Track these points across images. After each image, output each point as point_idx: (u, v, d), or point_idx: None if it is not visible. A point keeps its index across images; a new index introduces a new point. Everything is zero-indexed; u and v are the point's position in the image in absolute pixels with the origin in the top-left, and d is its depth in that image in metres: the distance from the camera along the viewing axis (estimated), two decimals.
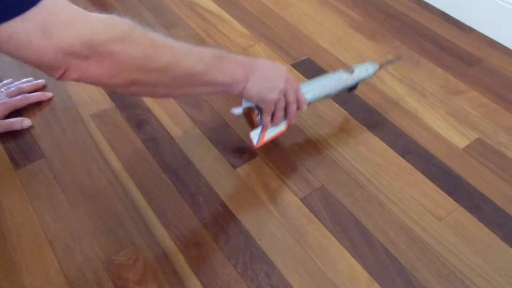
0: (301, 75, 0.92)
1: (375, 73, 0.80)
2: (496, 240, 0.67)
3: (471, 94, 0.90)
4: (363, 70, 0.78)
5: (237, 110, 0.72)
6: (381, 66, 0.81)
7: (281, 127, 0.74)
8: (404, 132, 0.82)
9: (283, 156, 0.77)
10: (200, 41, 0.99)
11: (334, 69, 0.93)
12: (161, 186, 0.72)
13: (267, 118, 0.71)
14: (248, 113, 0.73)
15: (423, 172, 0.76)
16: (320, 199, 0.72)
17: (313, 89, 0.74)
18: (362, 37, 1.02)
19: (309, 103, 0.74)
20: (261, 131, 0.73)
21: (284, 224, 0.68)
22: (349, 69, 0.78)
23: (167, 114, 0.84)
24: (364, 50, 0.99)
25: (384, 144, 0.80)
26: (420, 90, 0.90)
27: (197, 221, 0.68)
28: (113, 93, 0.86)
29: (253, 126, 0.74)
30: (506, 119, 0.85)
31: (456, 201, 0.72)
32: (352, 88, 0.80)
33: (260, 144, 0.73)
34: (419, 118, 0.85)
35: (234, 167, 0.76)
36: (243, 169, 0.75)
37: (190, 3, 1.10)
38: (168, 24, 1.04)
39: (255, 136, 0.73)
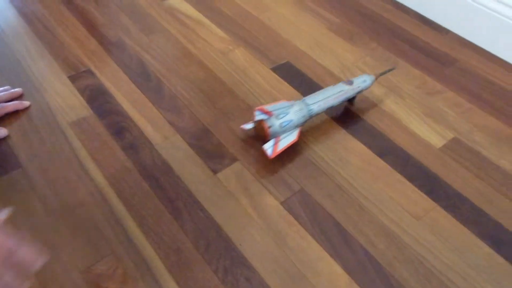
0: (281, 79, 0.93)
1: (372, 84, 0.86)
2: (472, 238, 0.68)
3: (447, 94, 0.91)
4: (361, 82, 0.83)
5: (248, 126, 0.80)
6: (377, 77, 0.86)
7: (293, 137, 0.77)
8: (382, 133, 0.83)
9: (263, 160, 0.78)
10: (180, 47, 0.99)
11: (314, 72, 0.94)
12: (140, 193, 0.72)
13: None
14: (260, 126, 0.77)
15: (401, 172, 0.77)
16: (300, 202, 0.72)
17: (319, 101, 0.79)
18: (340, 40, 1.03)
19: (316, 114, 0.80)
20: (274, 143, 0.76)
21: (264, 228, 0.69)
22: (349, 81, 0.83)
23: (147, 120, 0.83)
24: (342, 52, 1.00)
25: (362, 146, 0.81)
26: (397, 91, 0.91)
27: (177, 227, 0.68)
28: (93, 100, 0.86)
29: (265, 137, 0.77)
30: (480, 118, 0.86)
31: (434, 200, 0.73)
32: (352, 99, 0.86)
33: (275, 154, 0.75)
34: (397, 119, 0.86)
35: (215, 172, 0.76)
36: (223, 174, 0.76)
37: (170, 9, 1.10)
38: (148, 30, 1.04)
39: (269, 147, 0.75)
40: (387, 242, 0.67)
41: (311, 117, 0.79)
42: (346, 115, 0.86)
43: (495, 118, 0.87)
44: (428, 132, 0.84)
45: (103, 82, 0.90)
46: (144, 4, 1.11)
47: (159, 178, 0.75)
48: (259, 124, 0.77)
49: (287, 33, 1.05)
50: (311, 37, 1.04)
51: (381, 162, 0.78)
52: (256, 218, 0.70)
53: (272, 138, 0.76)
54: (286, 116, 0.76)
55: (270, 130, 0.75)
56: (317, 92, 0.81)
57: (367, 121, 0.85)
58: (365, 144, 0.81)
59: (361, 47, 1.02)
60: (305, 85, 0.92)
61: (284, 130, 0.76)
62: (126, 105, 0.86)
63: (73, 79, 0.90)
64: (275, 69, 0.95)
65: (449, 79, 0.95)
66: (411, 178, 0.76)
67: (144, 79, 0.91)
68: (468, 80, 0.94)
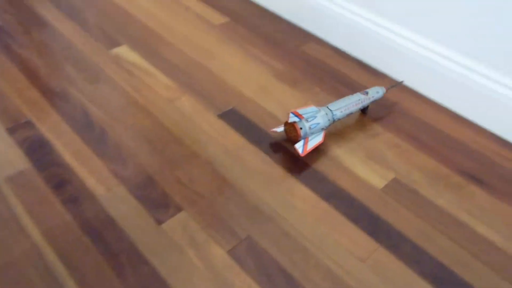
0: (227, 125, 0.94)
1: (383, 95, 1.00)
2: (414, 277, 0.70)
3: (387, 135, 0.96)
4: (375, 92, 0.97)
5: (279, 129, 0.91)
6: (387, 89, 1.00)
7: (320, 138, 0.88)
8: (327, 177, 0.85)
9: (209, 208, 0.77)
10: (126, 96, 0.99)
11: (259, 117, 0.96)
12: (81, 249, 0.69)
13: None
14: (290, 128, 0.88)
15: (346, 214, 0.78)
16: (247, 249, 0.72)
17: (340, 108, 0.91)
18: (284, 86, 1.07)
19: (339, 119, 0.92)
20: (304, 143, 0.87)
21: (211, 279, 0.67)
22: (364, 92, 0.96)
23: (89, 172, 0.82)
24: (286, 98, 1.03)
25: (308, 190, 0.82)
26: (340, 135, 0.95)
27: (119, 284, 0.66)
28: (32, 152, 0.84)
29: (296, 138, 0.88)
30: (418, 159, 0.91)
31: (377, 241, 0.75)
32: (365, 109, 1.00)
33: (305, 153, 0.86)
34: (341, 162, 0.88)
35: (159, 223, 0.75)
36: (168, 225, 0.74)
37: (115, 57, 1.10)
38: (93, 79, 1.03)
39: (299, 147, 0.86)
40: (333, 286, 0.68)
41: (334, 121, 0.91)
42: (291, 160, 0.88)
43: (431, 158, 0.91)
44: (370, 173, 0.86)
45: (44, 133, 0.88)
46: (89, 53, 1.11)
47: (101, 232, 0.72)
48: (291, 125, 0.87)
49: (233, 80, 1.07)
50: (256, 84, 1.07)
51: (326, 206, 0.80)
52: (202, 269, 0.69)
53: (302, 139, 0.87)
54: (314, 119, 0.87)
55: (301, 131, 0.86)
56: (339, 100, 0.93)
57: (312, 165, 0.87)
58: (310, 188, 0.83)
59: (304, 92, 1.05)
60: (250, 130, 0.93)
61: (312, 132, 0.87)
62: (67, 157, 0.84)
63: (11, 131, 0.88)
64: (222, 116, 0.97)
65: (388, 121, 0.99)
66: (355, 220, 0.78)
67: (87, 129, 0.90)
68: (406, 122, 1.00)
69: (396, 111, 1.02)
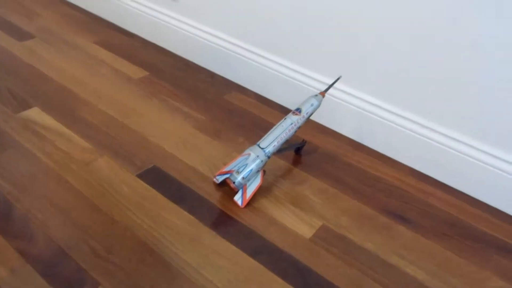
0: (148, 185, 0.90)
1: (320, 103, 0.92)
2: None
3: (312, 181, 0.95)
4: (309, 106, 0.90)
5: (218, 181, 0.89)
6: (325, 92, 0.92)
7: (258, 181, 0.86)
8: (254, 231, 0.82)
9: (129, 278, 0.71)
10: (36, 163, 0.92)
11: (182, 174, 0.93)
12: None
13: None
14: (226, 183, 0.89)
15: (274, 270, 0.75)
16: None
17: (272, 142, 0.87)
18: (207, 138, 1.05)
19: (274, 153, 0.88)
20: (242, 192, 0.86)
21: None
22: (297, 109, 0.89)
23: None
24: (209, 150, 1.01)
25: (234, 248, 0.79)
26: (265, 185, 0.93)
27: None
28: None
29: (233, 190, 0.87)
30: (344, 202, 0.91)
31: None
32: (299, 149, 0.99)
33: (245, 203, 0.86)
34: (267, 213, 0.86)
35: None
36: None
37: (25, 121, 1.03)
38: None
39: (238, 199, 0.86)
40: None
41: (269, 157, 0.87)
42: (217, 217, 0.85)
43: (357, 200, 0.92)
44: (297, 223, 0.85)
45: None
46: None
47: None
48: (225, 181, 0.87)
49: (154, 135, 1.04)
50: (178, 138, 1.04)
51: (253, 262, 0.76)
52: None
53: (240, 189, 0.86)
54: (245, 168, 0.85)
55: (235, 185, 0.85)
56: (269, 132, 0.88)
57: (239, 220, 0.84)
58: (237, 245, 0.79)
59: (228, 143, 1.04)
60: (172, 189, 0.89)
61: (248, 179, 0.86)
62: None
63: None
64: (142, 176, 0.92)
65: (313, 166, 0.99)
66: (283, 275, 0.75)
67: None
68: (330, 165, 1.00)
69: (319, 155, 1.03)
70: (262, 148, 0.87)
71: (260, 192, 0.91)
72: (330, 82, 1.07)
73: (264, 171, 0.90)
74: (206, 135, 1.05)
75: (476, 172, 0.93)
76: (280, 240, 0.81)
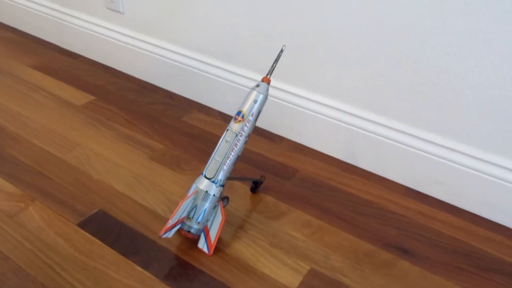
0: (91, 236, 0.72)
1: (266, 96, 0.69)
2: None
3: (293, 213, 0.79)
4: (251, 106, 0.68)
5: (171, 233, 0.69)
6: (268, 76, 0.69)
7: (219, 218, 0.70)
8: (225, 285, 0.65)
9: None
10: None
11: (134, 218, 0.76)
12: None
13: None
14: (182, 234, 0.72)
15: None
16: None
17: (220, 167, 0.69)
18: (165, 169, 0.88)
19: (226, 180, 0.71)
20: (205, 237, 0.70)
21: None
22: (238, 114, 0.68)
23: None
24: (168, 185, 0.84)
25: None
26: (237, 222, 0.77)
27: None
28: None
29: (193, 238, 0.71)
30: (333, 237, 0.75)
31: None
32: (256, 183, 0.82)
33: (212, 249, 0.70)
34: (241, 260, 0.70)
35: None
36: None
37: None
38: None
39: (203, 246, 0.70)
40: None
41: (223, 186, 0.70)
42: (179, 270, 0.67)
43: (347, 232, 0.76)
44: (280, 269, 0.69)
45: None
46: None
47: None
48: (179, 232, 0.72)
49: (100, 172, 0.86)
50: (129, 173, 0.86)
51: None
52: None
53: (201, 234, 0.71)
54: (196, 210, 0.69)
55: (192, 232, 0.70)
56: (212, 155, 0.69)
57: (207, 273, 0.67)
58: None
59: (190, 174, 0.87)
60: (122, 238, 0.72)
61: (205, 220, 0.70)
62: None
63: None
64: (84, 224, 0.74)
65: (292, 194, 0.84)
66: None
67: None
68: (312, 191, 0.85)
69: (298, 180, 0.88)
70: (209, 179, 0.69)
71: (230, 232, 0.74)
72: (294, 88, 0.93)
73: (224, 199, 0.74)
74: (164, 167, 0.88)
75: (482, 187, 0.80)
76: None
